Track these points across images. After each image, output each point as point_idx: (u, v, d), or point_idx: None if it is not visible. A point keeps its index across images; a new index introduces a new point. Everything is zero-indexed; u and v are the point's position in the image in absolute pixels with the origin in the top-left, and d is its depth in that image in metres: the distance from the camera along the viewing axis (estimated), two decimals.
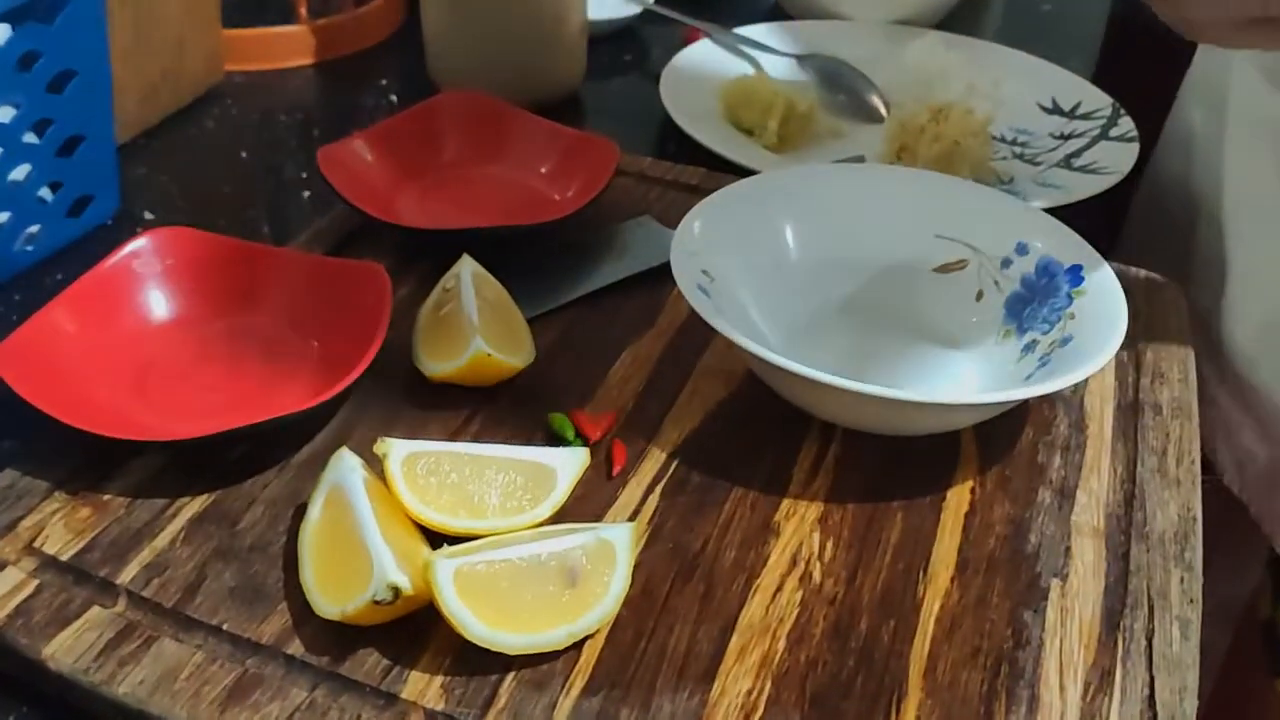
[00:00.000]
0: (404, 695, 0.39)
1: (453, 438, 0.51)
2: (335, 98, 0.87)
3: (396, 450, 0.44)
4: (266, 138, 0.80)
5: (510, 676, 0.40)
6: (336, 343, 0.53)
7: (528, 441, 0.51)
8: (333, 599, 0.40)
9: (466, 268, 0.56)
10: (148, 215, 0.70)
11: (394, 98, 0.86)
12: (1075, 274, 0.54)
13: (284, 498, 0.47)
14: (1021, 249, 0.57)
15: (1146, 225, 0.85)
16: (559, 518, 0.46)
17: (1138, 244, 0.86)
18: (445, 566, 0.39)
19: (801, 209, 0.59)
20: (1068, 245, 0.56)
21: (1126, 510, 0.50)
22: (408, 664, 0.40)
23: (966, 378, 0.55)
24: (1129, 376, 0.58)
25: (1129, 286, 0.66)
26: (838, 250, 0.59)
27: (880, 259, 0.59)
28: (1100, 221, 0.92)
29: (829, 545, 0.47)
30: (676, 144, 0.80)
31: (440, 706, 0.39)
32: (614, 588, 0.42)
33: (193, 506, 0.46)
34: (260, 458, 0.49)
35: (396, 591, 0.39)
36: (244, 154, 0.78)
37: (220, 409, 0.50)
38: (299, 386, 0.51)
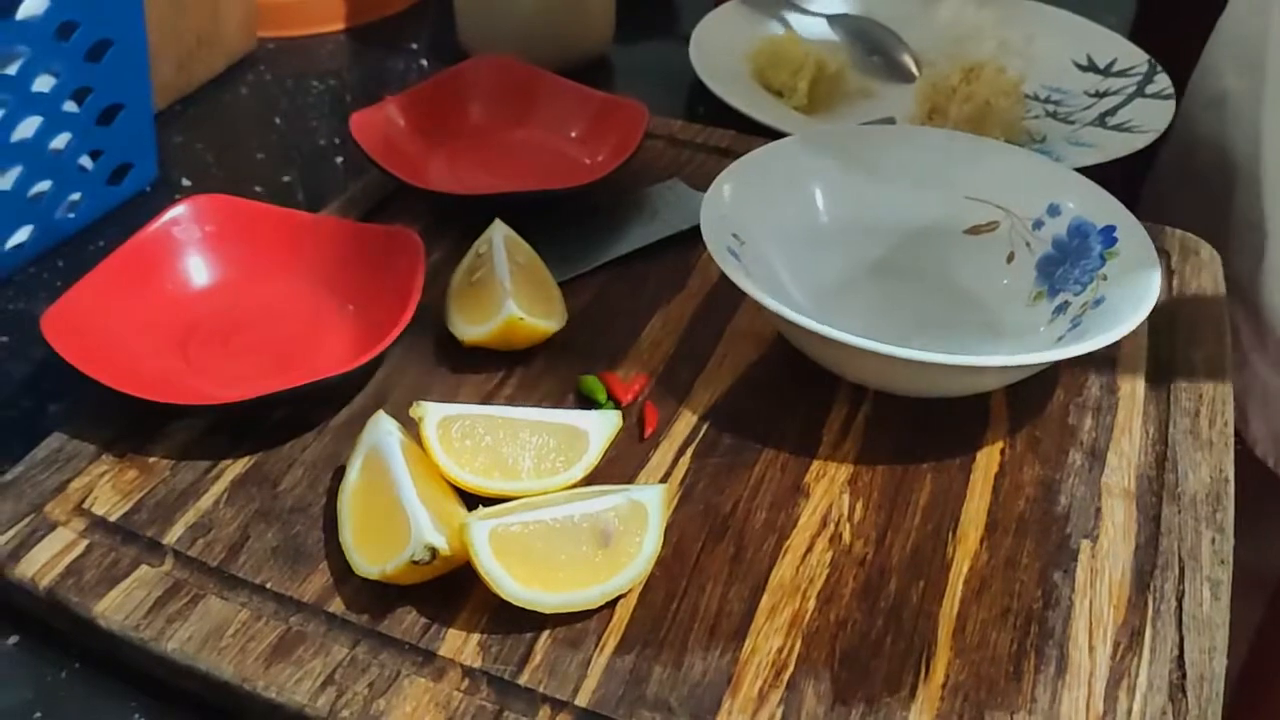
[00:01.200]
0: (442, 652, 0.40)
1: (486, 400, 0.52)
2: (367, 63, 0.87)
3: (432, 414, 0.45)
4: (300, 104, 0.81)
5: (545, 634, 0.41)
6: (372, 307, 0.53)
7: (560, 404, 0.52)
8: (372, 559, 0.41)
9: (499, 232, 0.56)
10: (185, 182, 0.71)
11: (424, 62, 0.86)
12: (1108, 235, 0.54)
13: (323, 460, 0.48)
14: (1053, 210, 0.56)
15: (1174, 186, 0.84)
16: (591, 480, 0.47)
17: (1165, 205, 0.84)
18: (481, 528, 0.40)
19: (831, 171, 0.59)
20: (1101, 206, 0.55)
21: (1158, 472, 0.50)
22: (445, 622, 0.41)
23: (997, 340, 0.55)
24: (1162, 337, 0.58)
25: (1162, 245, 0.65)
26: (868, 212, 0.59)
27: (910, 221, 0.59)
28: (1118, 182, 0.91)
29: (859, 506, 0.47)
30: (707, 106, 0.80)
31: (478, 664, 0.40)
32: (646, 548, 0.42)
33: (235, 468, 0.48)
34: (299, 420, 0.50)
35: (434, 552, 0.40)
36: (278, 120, 0.79)
37: (261, 373, 0.51)
38: (336, 350, 0.52)
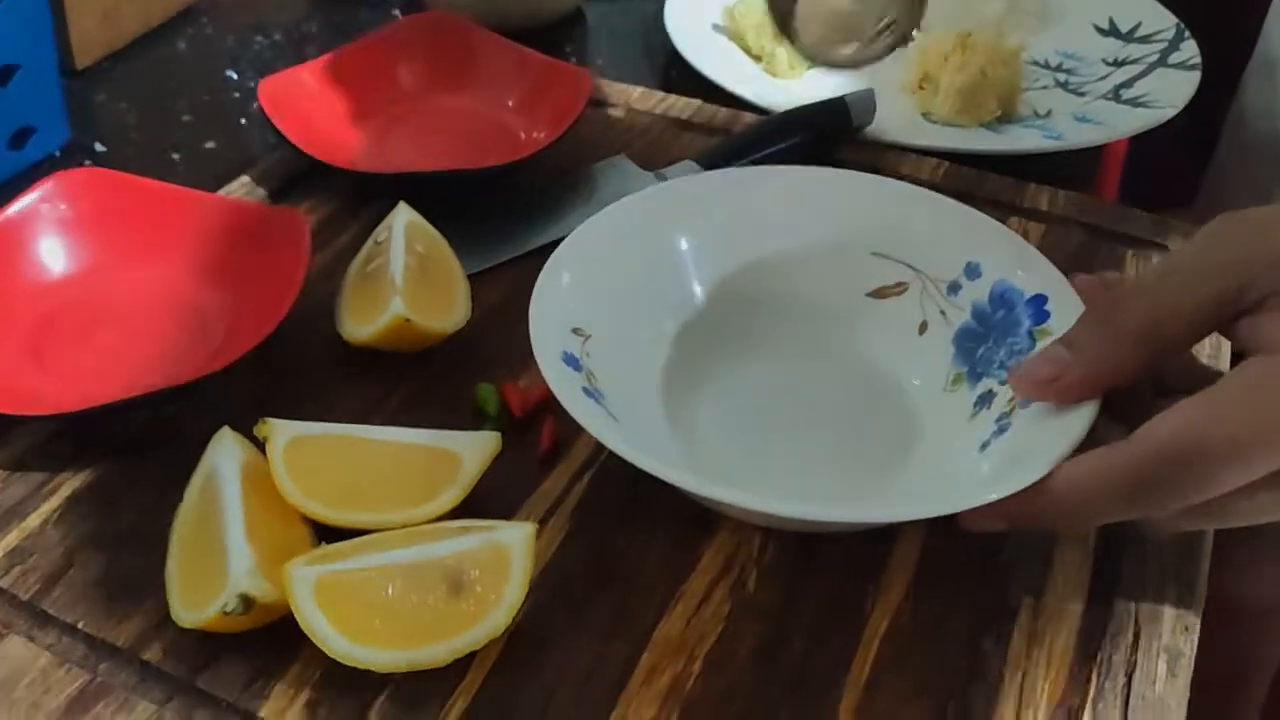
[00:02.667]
0: (262, 714, 0.35)
1: (372, 408, 0.46)
2: (320, 19, 0.81)
3: (280, 433, 0.40)
4: (242, 62, 0.75)
5: (384, 695, 0.36)
6: (251, 300, 0.48)
7: (453, 415, 0.46)
8: (189, 604, 0.37)
9: (400, 217, 0.51)
10: (99, 147, 0.66)
11: (397, 12, 0.80)
12: (1038, 307, 0.44)
13: (175, 476, 0.43)
14: (972, 270, 0.46)
15: (1232, 164, 0.76)
16: (467, 507, 0.42)
17: (1224, 185, 0.76)
18: (304, 574, 0.35)
19: (703, 232, 0.48)
20: (1029, 267, 0.45)
21: None
22: (273, 677, 0.36)
23: (913, 443, 0.45)
24: None
25: (1162, 239, 0.58)
26: (754, 279, 0.48)
27: (807, 285, 0.49)
28: (1182, 165, 0.83)
29: (771, 547, 0.42)
30: (679, 71, 0.73)
31: None
32: (506, 599, 0.37)
33: (75, 482, 0.43)
34: (159, 428, 0.45)
35: (248, 602, 0.35)
36: (213, 81, 0.73)
37: (121, 372, 0.46)
38: (208, 348, 0.47)
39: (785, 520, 0.40)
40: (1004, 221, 0.58)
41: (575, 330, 0.43)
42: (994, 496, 0.36)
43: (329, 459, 0.40)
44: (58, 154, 0.65)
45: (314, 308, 0.51)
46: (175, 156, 0.65)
